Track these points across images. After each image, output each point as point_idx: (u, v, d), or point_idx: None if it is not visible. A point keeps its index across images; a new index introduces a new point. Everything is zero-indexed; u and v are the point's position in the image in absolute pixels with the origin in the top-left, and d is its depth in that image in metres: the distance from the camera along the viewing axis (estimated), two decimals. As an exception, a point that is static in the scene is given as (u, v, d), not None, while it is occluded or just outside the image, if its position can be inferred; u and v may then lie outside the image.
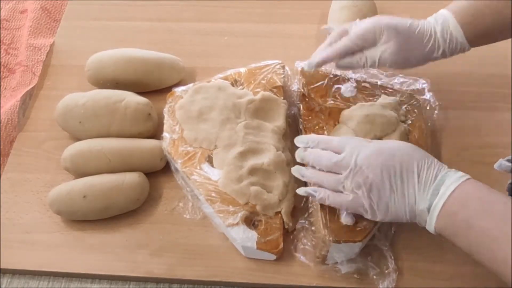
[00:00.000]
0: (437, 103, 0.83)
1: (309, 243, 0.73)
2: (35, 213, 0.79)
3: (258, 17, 1.01)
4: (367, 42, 0.74)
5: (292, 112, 0.85)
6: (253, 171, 0.75)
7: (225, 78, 0.85)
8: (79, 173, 0.79)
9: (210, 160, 0.77)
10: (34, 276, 0.76)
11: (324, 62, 0.77)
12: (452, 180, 0.62)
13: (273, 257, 0.72)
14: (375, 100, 0.81)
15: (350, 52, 0.76)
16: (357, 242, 0.68)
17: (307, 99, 0.83)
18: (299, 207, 0.77)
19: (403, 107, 0.81)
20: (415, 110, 0.81)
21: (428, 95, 0.84)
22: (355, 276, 0.71)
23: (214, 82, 0.84)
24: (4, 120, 0.87)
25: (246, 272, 0.73)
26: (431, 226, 0.63)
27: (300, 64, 0.83)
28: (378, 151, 0.66)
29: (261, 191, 0.73)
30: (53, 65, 0.97)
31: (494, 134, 0.85)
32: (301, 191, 0.70)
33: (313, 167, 0.70)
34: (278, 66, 0.86)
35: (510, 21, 0.72)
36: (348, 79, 0.84)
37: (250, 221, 0.73)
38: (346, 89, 0.83)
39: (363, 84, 0.84)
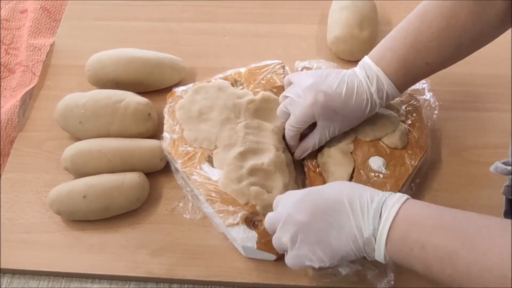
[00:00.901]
0: (437, 103, 0.83)
1: None
2: (35, 213, 0.79)
3: (258, 17, 1.01)
4: (307, 124, 0.75)
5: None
6: (253, 171, 0.75)
7: (225, 78, 0.85)
8: (79, 173, 0.79)
9: (210, 160, 0.77)
10: (34, 276, 0.76)
11: (296, 148, 0.79)
12: (393, 201, 0.59)
13: (273, 257, 0.72)
14: None
15: (297, 134, 0.77)
16: None
17: None
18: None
19: (403, 107, 0.81)
20: (415, 110, 0.81)
21: (428, 95, 0.84)
22: (353, 278, 0.71)
23: (214, 82, 0.84)
24: (4, 120, 0.87)
25: (246, 272, 0.73)
26: (380, 254, 0.59)
27: (298, 68, 0.82)
28: (306, 194, 0.64)
29: (261, 191, 0.73)
30: (53, 65, 0.97)
31: (494, 134, 0.85)
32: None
33: None
34: (278, 66, 0.86)
35: (440, 59, 0.71)
36: None
37: (250, 221, 0.73)
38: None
39: None
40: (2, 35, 1.01)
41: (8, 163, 0.85)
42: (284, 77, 0.85)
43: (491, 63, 0.92)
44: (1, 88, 0.94)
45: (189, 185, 0.78)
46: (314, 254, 0.61)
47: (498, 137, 0.84)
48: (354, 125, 0.76)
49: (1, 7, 1.05)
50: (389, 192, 0.61)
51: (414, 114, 0.81)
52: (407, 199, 0.60)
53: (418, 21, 0.70)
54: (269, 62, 0.87)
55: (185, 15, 1.02)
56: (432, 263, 0.55)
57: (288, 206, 0.64)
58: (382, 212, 0.59)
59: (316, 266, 0.62)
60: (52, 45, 0.99)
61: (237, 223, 0.72)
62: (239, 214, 0.72)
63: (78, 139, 0.82)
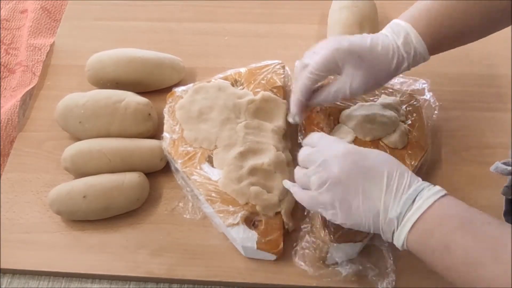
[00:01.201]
0: (437, 103, 0.83)
1: (308, 245, 0.73)
2: (35, 213, 0.79)
3: (258, 17, 1.01)
4: (329, 72, 0.71)
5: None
6: (253, 171, 0.75)
7: (225, 78, 0.85)
8: (79, 173, 0.79)
9: (210, 160, 0.77)
10: (34, 276, 0.76)
11: (299, 108, 0.74)
12: (431, 193, 0.58)
13: (273, 257, 0.72)
14: (375, 100, 0.81)
15: (314, 84, 0.72)
16: (358, 242, 0.68)
17: None
18: (299, 207, 0.77)
19: (403, 107, 0.81)
20: (415, 110, 0.81)
21: (428, 95, 0.84)
22: (353, 279, 0.71)
23: (214, 82, 0.84)
24: (4, 120, 0.87)
25: (246, 272, 0.73)
26: (399, 239, 0.58)
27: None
28: (351, 151, 0.63)
29: (261, 191, 0.73)
30: (53, 65, 0.97)
31: (494, 134, 0.85)
32: (286, 184, 0.71)
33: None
34: (278, 66, 0.86)
35: (467, 28, 0.70)
36: None
37: (250, 221, 0.73)
38: None
39: None
40: (2, 35, 1.01)
41: (8, 163, 0.85)
42: (284, 77, 0.85)
43: (491, 63, 0.92)
44: (1, 88, 0.94)
45: (189, 185, 0.78)
46: (332, 207, 0.61)
47: (498, 137, 0.84)
48: (380, 81, 0.72)
49: (1, 7, 1.05)
50: (428, 183, 0.60)
51: (414, 114, 0.81)
52: (445, 195, 0.58)
53: None
54: (269, 62, 0.86)
55: (185, 15, 1.02)
56: (454, 268, 0.55)
57: (328, 154, 0.63)
58: (416, 200, 0.58)
59: (329, 218, 0.62)
60: (52, 45, 0.99)
61: (237, 223, 0.72)
62: (239, 214, 0.72)
63: (78, 139, 0.82)
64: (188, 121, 0.80)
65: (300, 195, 0.66)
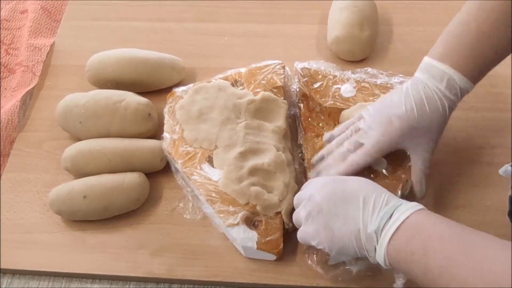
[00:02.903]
0: None
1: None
2: (35, 213, 0.79)
3: (258, 17, 1.01)
4: (386, 151, 0.73)
5: (292, 112, 0.85)
6: (253, 171, 0.75)
7: (225, 78, 0.85)
8: (80, 173, 0.79)
9: (210, 160, 0.77)
10: (34, 276, 0.76)
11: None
12: (407, 207, 0.59)
13: (273, 257, 0.72)
14: (374, 100, 0.81)
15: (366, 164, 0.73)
16: None
17: (307, 99, 0.83)
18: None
19: None
20: None
21: None
22: (368, 273, 0.70)
23: (214, 82, 0.84)
24: (5, 120, 0.87)
25: (246, 272, 0.73)
26: (380, 253, 0.59)
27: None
28: (330, 179, 0.67)
29: (261, 191, 0.73)
30: (54, 65, 0.97)
31: (495, 134, 0.85)
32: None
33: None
34: (278, 66, 0.86)
35: (500, 48, 0.69)
36: (348, 79, 0.84)
37: (251, 221, 0.73)
38: (346, 89, 0.83)
39: (362, 84, 0.84)
40: (2, 35, 1.01)
41: (9, 163, 0.85)
42: (284, 77, 0.85)
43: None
44: (2, 88, 0.94)
45: (189, 185, 0.77)
46: (318, 236, 0.64)
47: (498, 137, 0.84)
48: (441, 130, 0.72)
49: (2, 7, 1.05)
50: (406, 201, 0.61)
51: None
52: (422, 208, 0.60)
53: (477, 9, 0.69)
54: (269, 62, 0.86)
55: (185, 15, 1.02)
56: (431, 269, 0.55)
57: (313, 187, 0.67)
58: (393, 214, 0.59)
59: (317, 247, 0.64)
60: (52, 45, 0.99)
61: (237, 223, 0.72)
62: (239, 214, 0.72)
63: (79, 139, 0.82)
64: (188, 121, 0.80)
65: (298, 234, 0.68)
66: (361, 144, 0.73)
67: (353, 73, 0.86)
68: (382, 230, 0.59)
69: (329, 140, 0.78)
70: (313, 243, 0.65)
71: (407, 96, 0.70)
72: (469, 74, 0.69)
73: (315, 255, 0.71)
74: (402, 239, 0.58)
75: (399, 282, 0.68)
